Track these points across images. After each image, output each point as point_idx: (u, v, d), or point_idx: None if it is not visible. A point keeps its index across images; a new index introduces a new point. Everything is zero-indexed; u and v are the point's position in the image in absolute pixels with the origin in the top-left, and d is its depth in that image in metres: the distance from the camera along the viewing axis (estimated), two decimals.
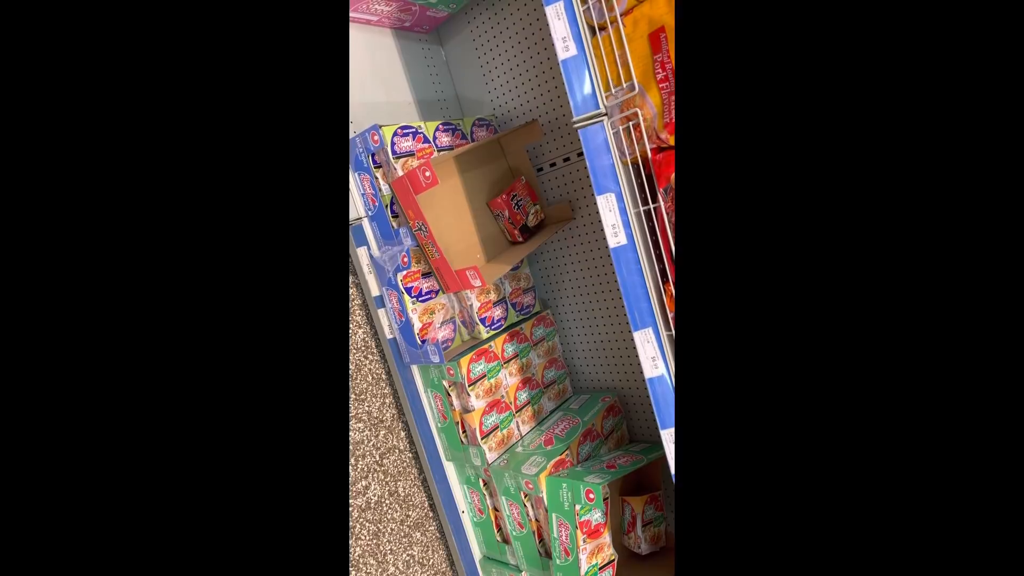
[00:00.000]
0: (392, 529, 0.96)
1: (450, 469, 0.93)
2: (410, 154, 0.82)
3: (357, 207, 0.85)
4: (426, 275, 0.86)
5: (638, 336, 0.58)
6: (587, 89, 0.53)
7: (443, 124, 0.88)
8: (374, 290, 0.87)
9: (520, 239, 0.93)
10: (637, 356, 0.98)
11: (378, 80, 0.93)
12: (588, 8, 0.52)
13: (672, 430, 0.58)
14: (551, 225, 0.98)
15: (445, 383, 0.87)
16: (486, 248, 0.92)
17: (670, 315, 0.58)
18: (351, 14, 0.86)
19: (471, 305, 0.89)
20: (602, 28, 0.52)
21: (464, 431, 0.89)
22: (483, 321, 0.90)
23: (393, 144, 0.80)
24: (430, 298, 0.87)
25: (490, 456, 0.87)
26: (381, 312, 0.88)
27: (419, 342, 0.84)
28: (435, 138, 0.87)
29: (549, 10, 0.52)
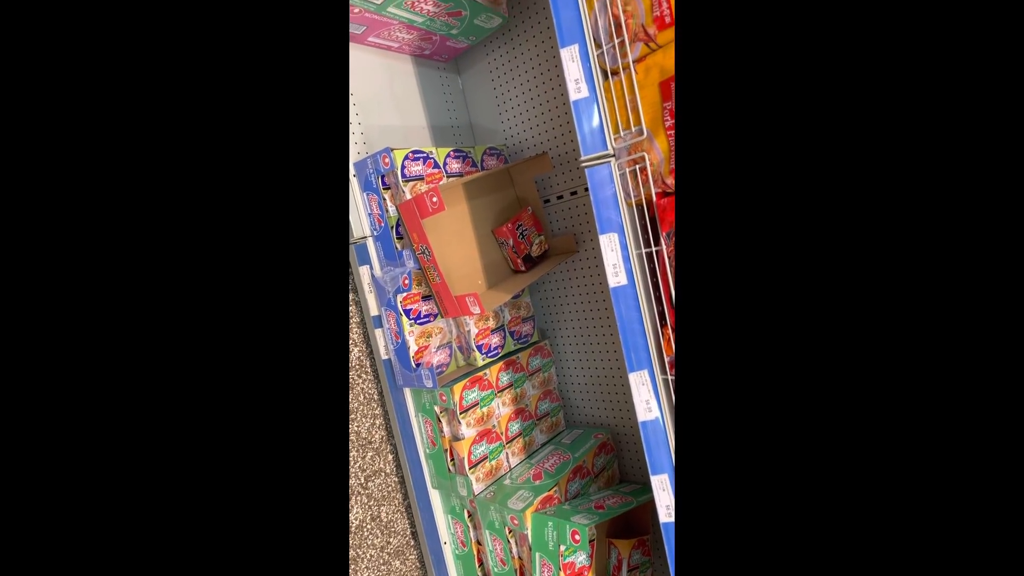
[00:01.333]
0: (371, 556, 0.93)
1: (435, 497, 0.91)
2: (419, 178, 0.84)
3: (363, 226, 0.86)
4: (426, 298, 0.86)
5: (633, 378, 0.57)
6: (596, 130, 0.54)
7: (454, 151, 0.90)
8: (373, 310, 0.87)
9: (523, 268, 0.93)
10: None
11: (394, 104, 0.95)
12: (602, 53, 0.53)
13: (663, 476, 0.57)
14: (555, 256, 0.98)
15: (437, 409, 0.86)
16: (488, 275, 0.92)
17: (667, 358, 0.57)
18: (373, 39, 0.88)
19: (469, 331, 0.89)
20: (614, 73, 0.53)
21: (452, 459, 0.87)
22: (480, 348, 0.90)
23: (403, 167, 0.81)
24: (428, 321, 0.86)
25: (477, 487, 0.85)
26: (378, 332, 0.88)
27: (414, 365, 0.83)
28: (445, 164, 0.88)
29: (564, 52, 0.53)
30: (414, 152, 0.83)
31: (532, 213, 0.96)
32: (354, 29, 0.84)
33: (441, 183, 0.86)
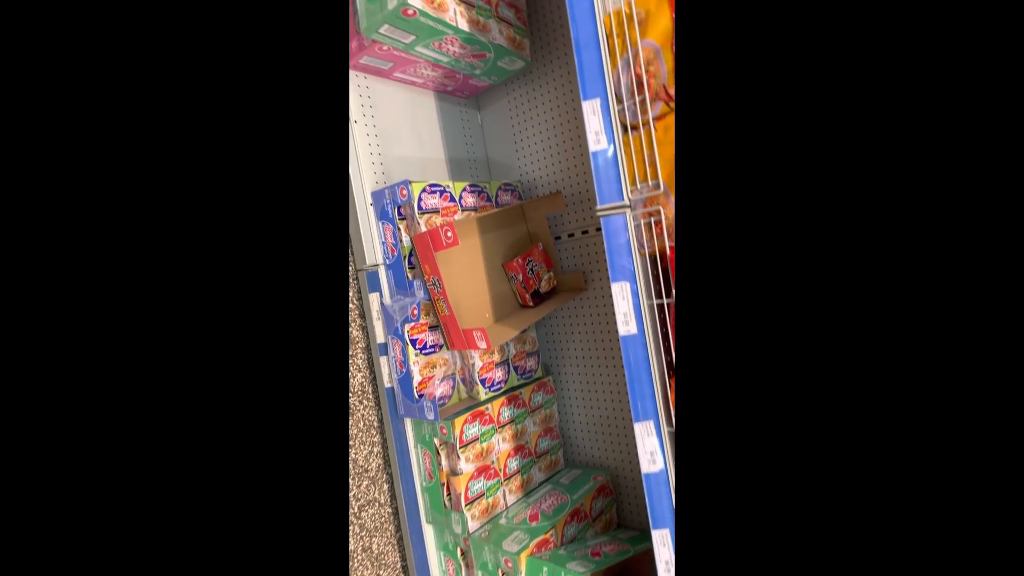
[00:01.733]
0: None
1: (429, 532, 0.89)
2: (435, 211, 0.85)
3: (376, 254, 0.87)
4: (433, 328, 0.86)
5: (639, 428, 0.57)
6: (613, 181, 0.55)
7: (470, 185, 0.91)
8: (380, 337, 0.88)
9: (531, 303, 0.94)
10: (635, 437, 0.96)
11: (415, 136, 0.98)
12: (623, 109, 0.55)
13: (665, 531, 0.56)
14: (563, 293, 0.99)
15: (436, 441, 0.86)
16: (496, 308, 0.92)
17: (674, 410, 0.57)
18: (399, 74, 0.91)
19: (473, 364, 0.89)
20: (634, 128, 0.55)
21: (449, 494, 0.86)
22: (483, 382, 0.90)
23: (420, 200, 0.82)
24: (433, 352, 0.86)
25: (472, 524, 0.83)
26: (383, 360, 0.88)
27: (416, 396, 0.83)
28: (461, 198, 0.90)
29: (586, 105, 0.55)
30: (431, 185, 0.84)
31: (543, 249, 0.97)
32: (381, 65, 0.86)
33: (456, 217, 0.87)
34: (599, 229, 0.97)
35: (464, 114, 1.08)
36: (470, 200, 0.91)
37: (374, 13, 0.74)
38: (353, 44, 0.82)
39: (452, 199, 0.88)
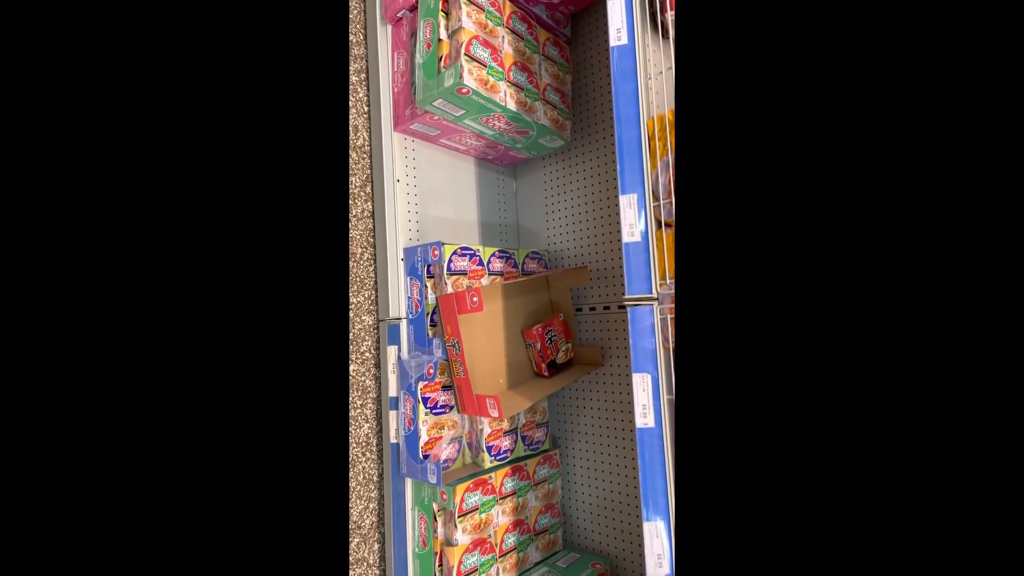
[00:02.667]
0: None
1: None
2: (463, 273, 0.87)
3: (400, 308, 0.88)
4: (446, 388, 0.86)
5: (648, 528, 0.55)
6: (643, 274, 0.56)
7: (499, 251, 0.94)
8: (392, 391, 0.88)
9: (546, 374, 0.93)
10: (640, 522, 0.92)
11: (452, 198, 1.02)
12: (659, 206, 0.57)
13: None
14: (579, 366, 0.98)
15: (435, 506, 0.83)
16: (511, 374, 0.92)
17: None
18: (444, 141, 0.96)
19: (481, 430, 0.88)
20: (668, 225, 0.57)
21: (441, 565, 0.82)
22: (489, 449, 0.88)
23: (450, 261, 0.85)
24: (443, 412, 0.86)
25: None
26: (392, 414, 0.87)
27: (421, 456, 0.82)
28: (489, 263, 0.92)
29: (623, 199, 0.57)
30: (463, 248, 0.87)
31: (563, 320, 0.98)
32: (429, 131, 0.92)
33: (483, 281, 0.89)
34: (621, 307, 0.98)
35: (501, 181, 1.13)
36: (497, 265, 0.94)
37: (431, 88, 0.80)
38: (406, 111, 0.88)
39: (481, 263, 0.90)
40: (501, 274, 0.94)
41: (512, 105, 0.84)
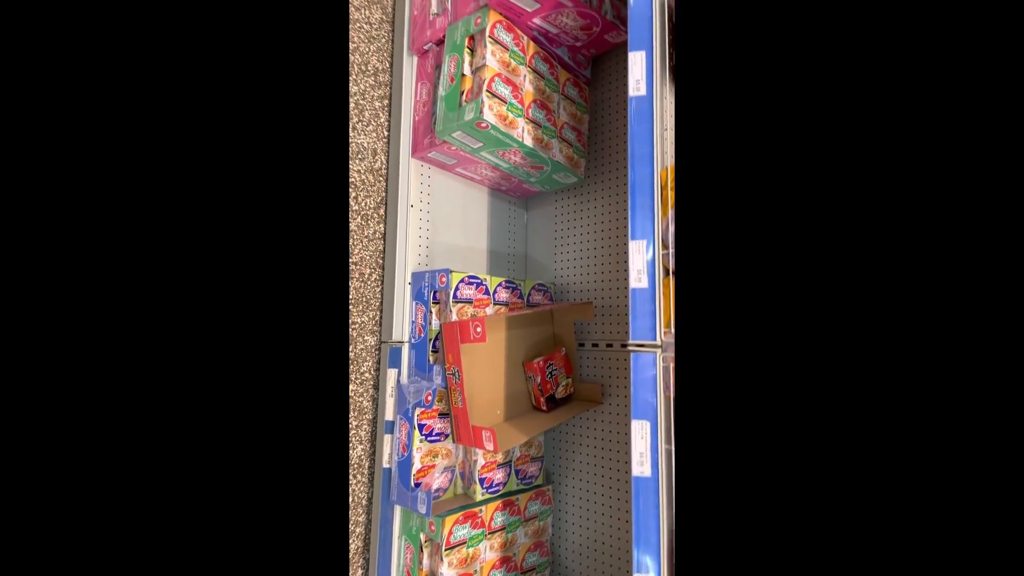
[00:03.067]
0: None
1: None
2: (468, 301, 0.87)
3: (403, 331, 0.88)
4: (443, 415, 0.86)
5: None
6: (648, 320, 0.57)
7: (506, 281, 0.95)
8: (388, 414, 0.87)
9: (544, 408, 0.93)
10: (631, 567, 0.90)
11: (463, 226, 1.03)
12: (668, 254, 0.57)
13: None
14: (578, 403, 0.97)
15: (422, 536, 0.82)
16: (508, 405, 0.91)
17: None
18: (460, 170, 0.98)
19: (475, 460, 0.87)
20: (675, 274, 0.57)
21: None
22: (482, 481, 0.87)
23: (457, 289, 0.85)
24: (438, 440, 0.85)
25: None
26: (387, 438, 0.87)
27: (412, 484, 0.81)
28: (495, 292, 0.92)
29: (632, 245, 0.58)
30: (470, 277, 0.88)
31: (565, 355, 0.98)
32: (446, 160, 0.94)
33: (488, 310, 0.90)
34: (624, 346, 0.98)
35: (512, 212, 1.14)
36: (503, 295, 0.94)
37: (451, 120, 0.82)
38: (425, 140, 0.90)
39: (487, 292, 0.91)
40: (506, 304, 0.95)
41: (529, 141, 0.85)
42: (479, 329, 0.77)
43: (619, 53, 1.01)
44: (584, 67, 1.00)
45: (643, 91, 0.59)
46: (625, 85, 1.02)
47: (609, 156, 1.04)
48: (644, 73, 0.60)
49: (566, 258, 1.09)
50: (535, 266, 1.15)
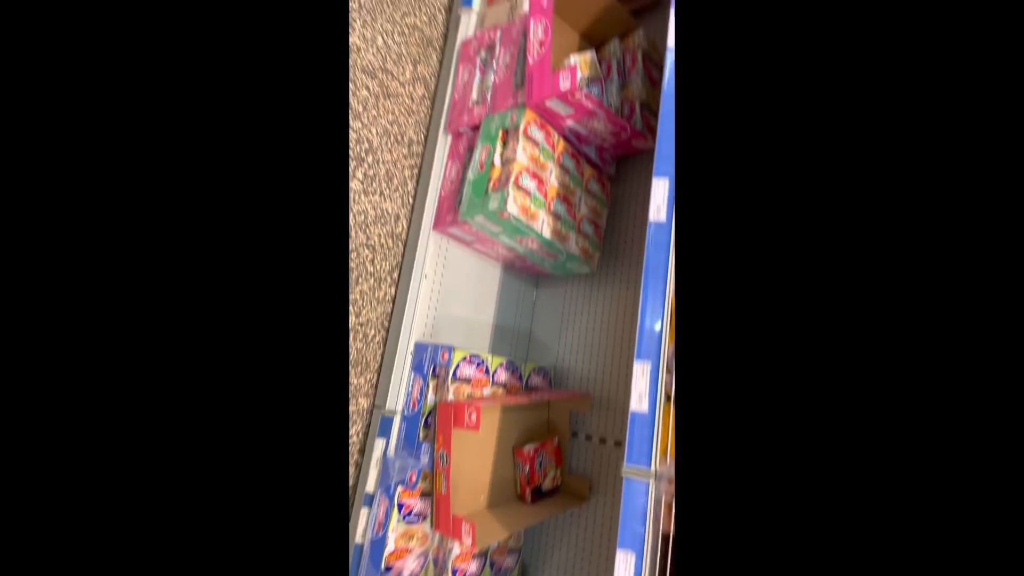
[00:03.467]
0: None
1: None
2: (467, 380, 0.87)
3: (398, 401, 0.88)
4: (424, 495, 0.83)
5: None
6: (645, 446, 0.56)
7: (507, 362, 0.94)
8: (369, 486, 0.85)
9: (529, 500, 0.90)
10: None
11: (472, 299, 1.04)
12: (671, 381, 0.57)
13: None
14: (564, 497, 0.95)
15: None
16: (493, 492, 0.89)
17: None
18: (478, 246, 1.01)
19: (450, 549, 0.83)
20: (675, 402, 0.57)
21: None
22: (455, 572, 0.83)
23: (457, 368, 0.85)
24: (416, 522, 0.82)
25: None
26: (364, 512, 0.84)
27: (384, 567, 0.77)
28: (495, 372, 0.92)
29: (637, 366, 0.58)
30: (472, 356, 0.88)
31: (557, 445, 0.96)
32: (464, 236, 0.96)
33: (485, 394, 0.89)
34: (618, 443, 0.96)
35: (522, 289, 1.15)
36: (503, 376, 0.94)
37: (475, 205, 0.84)
38: (448, 217, 0.93)
39: (487, 372, 0.90)
40: (505, 386, 0.94)
41: (547, 233, 0.88)
42: (474, 417, 0.76)
43: (645, 157, 1.05)
44: (609, 164, 1.04)
45: (663, 218, 0.62)
46: (647, 185, 1.06)
47: (624, 250, 1.06)
48: (665, 199, 0.62)
49: (570, 343, 1.09)
50: (538, 345, 1.15)
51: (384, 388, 0.91)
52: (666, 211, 0.62)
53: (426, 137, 1.10)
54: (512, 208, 0.81)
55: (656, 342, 0.58)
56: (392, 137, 1.03)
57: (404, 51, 1.06)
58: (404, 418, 0.86)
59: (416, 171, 1.08)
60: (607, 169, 1.04)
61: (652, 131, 0.96)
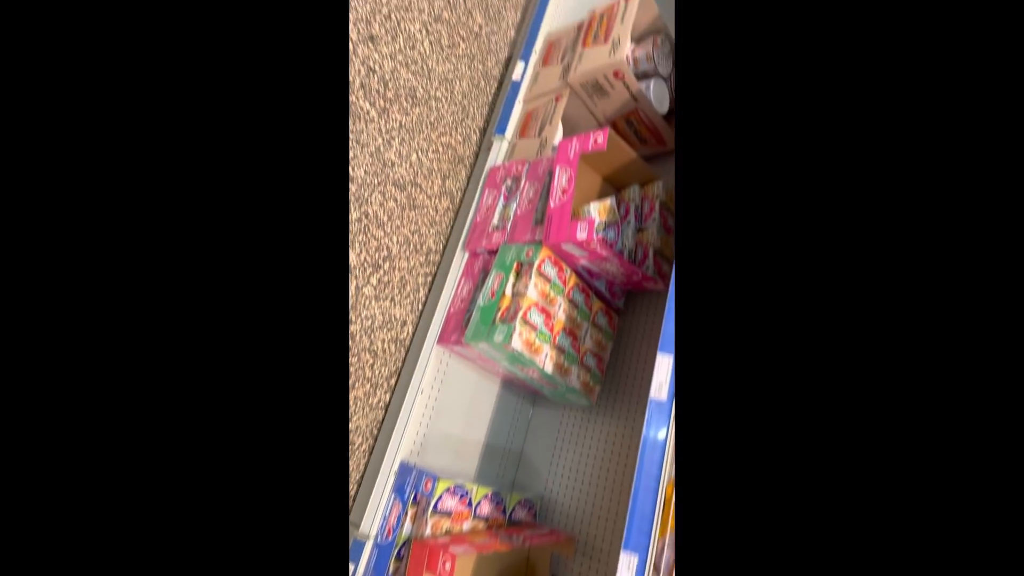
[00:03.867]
0: None
1: None
2: (448, 514, 0.83)
3: (372, 525, 0.84)
4: None
5: None
6: None
7: (492, 494, 0.91)
8: None
9: None
10: None
11: (466, 415, 1.02)
12: None
13: None
14: None
15: None
16: None
17: None
18: (480, 363, 1.00)
19: None
20: None
21: None
22: None
23: (439, 499, 0.82)
24: None
25: None
26: None
27: None
28: (478, 505, 0.88)
29: (623, 557, 0.55)
30: (456, 487, 0.84)
31: None
32: (467, 353, 0.96)
33: (465, 529, 0.85)
34: None
35: (519, 406, 1.13)
36: (486, 509, 0.90)
37: (480, 333, 0.85)
38: (453, 335, 0.93)
39: (470, 504, 0.87)
40: (487, 519, 0.90)
41: (549, 367, 0.87)
42: (448, 566, 0.72)
43: (658, 296, 1.07)
44: (618, 298, 1.05)
45: (664, 397, 0.61)
46: (656, 321, 1.06)
47: (626, 385, 1.04)
48: (668, 376, 0.62)
49: (560, 472, 1.05)
50: (528, 469, 1.11)
51: (362, 503, 0.87)
52: (667, 389, 0.61)
53: (444, 247, 1.13)
54: (516, 343, 0.81)
55: (647, 534, 0.56)
56: (412, 246, 1.06)
57: (435, 167, 1.12)
58: (376, 545, 0.82)
59: (430, 279, 1.10)
60: (616, 302, 1.05)
61: (664, 276, 0.98)
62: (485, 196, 1.05)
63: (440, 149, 1.14)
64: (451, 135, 1.17)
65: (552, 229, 0.85)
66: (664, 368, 0.62)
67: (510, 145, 1.11)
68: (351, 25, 0.97)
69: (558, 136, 1.07)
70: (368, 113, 0.99)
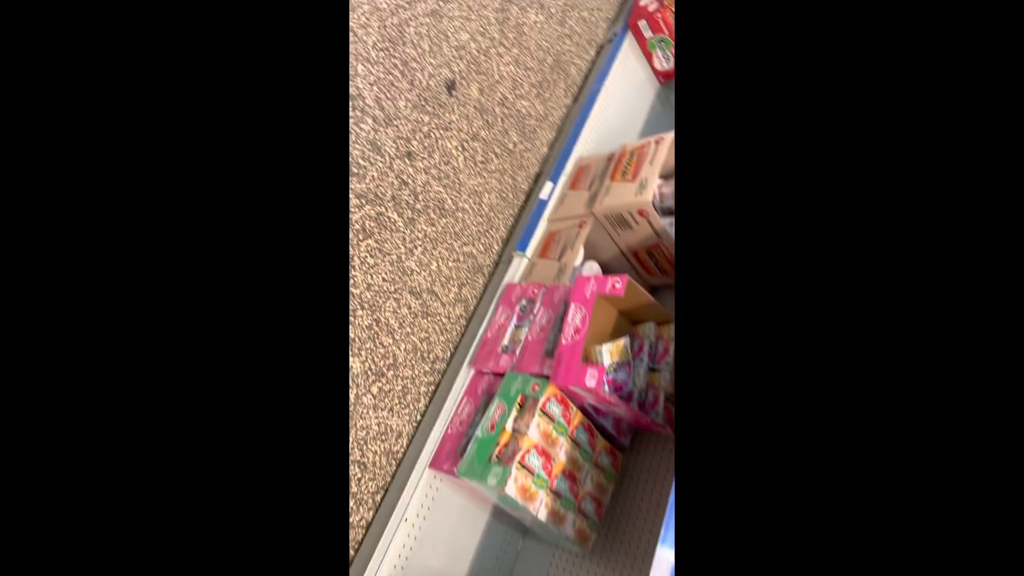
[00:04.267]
0: None
1: None
2: None
3: None
4: None
5: None
6: None
7: None
8: None
9: None
10: None
11: (450, 546, 0.95)
12: None
13: None
14: None
15: None
16: None
17: None
18: (471, 493, 0.95)
19: None
20: None
21: None
22: None
23: None
24: None
25: None
26: None
27: None
28: None
29: None
30: None
31: None
32: (458, 481, 0.91)
33: None
34: None
35: (508, 536, 1.06)
36: None
37: (474, 471, 0.81)
38: (446, 464, 0.89)
39: None
40: None
41: (543, 515, 0.82)
42: None
43: (666, 440, 1.02)
44: (625, 436, 1.00)
45: None
46: (661, 462, 1.00)
47: (625, 533, 0.97)
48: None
49: None
50: None
51: None
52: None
53: (452, 356, 1.11)
54: (511, 488, 0.77)
55: None
56: (419, 354, 1.05)
57: (454, 275, 1.13)
58: None
59: (433, 388, 1.08)
60: (622, 440, 1.00)
61: (672, 423, 0.93)
62: (499, 313, 1.05)
63: (461, 258, 1.15)
64: (473, 245, 1.18)
65: (561, 370, 0.82)
66: (663, 568, 0.57)
67: (529, 263, 1.12)
68: (391, 141, 1.02)
69: (578, 260, 1.07)
70: (395, 223, 1.02)
